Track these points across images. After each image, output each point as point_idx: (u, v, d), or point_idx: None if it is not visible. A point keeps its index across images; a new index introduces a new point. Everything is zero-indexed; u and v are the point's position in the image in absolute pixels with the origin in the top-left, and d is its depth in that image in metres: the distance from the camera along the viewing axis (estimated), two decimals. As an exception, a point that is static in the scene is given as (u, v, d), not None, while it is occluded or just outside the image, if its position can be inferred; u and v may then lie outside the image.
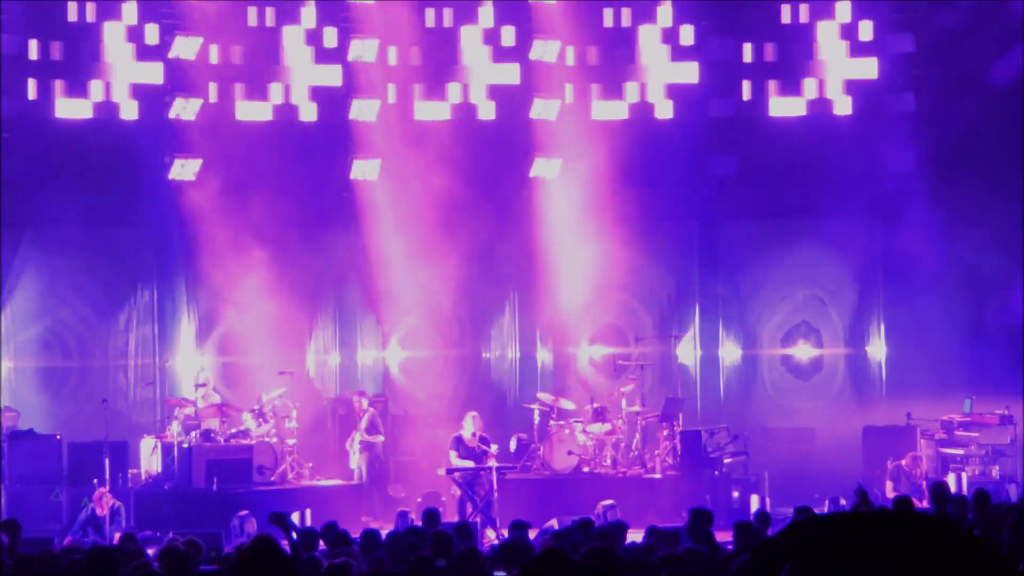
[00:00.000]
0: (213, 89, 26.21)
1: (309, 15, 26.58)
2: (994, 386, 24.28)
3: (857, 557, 5.50)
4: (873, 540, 5.53)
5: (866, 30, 26.75)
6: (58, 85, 25.64)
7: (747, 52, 26.97)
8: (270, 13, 26.51)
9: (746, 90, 27.07)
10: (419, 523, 16.91)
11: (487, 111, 27.09)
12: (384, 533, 14.79)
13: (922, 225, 26.24)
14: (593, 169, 26.41)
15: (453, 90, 26.97)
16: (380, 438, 24.71)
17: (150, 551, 14.35)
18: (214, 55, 26.21)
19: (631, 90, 27.13)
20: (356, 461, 24.49)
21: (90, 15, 25.76)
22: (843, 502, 20.80)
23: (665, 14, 27.03)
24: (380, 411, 25.34)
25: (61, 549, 15.92)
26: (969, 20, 25.76)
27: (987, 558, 5.60)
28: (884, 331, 27.25)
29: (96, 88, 25.75)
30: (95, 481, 22.26)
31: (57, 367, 26.15)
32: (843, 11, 26.87)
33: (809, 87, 26.94)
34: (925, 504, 18.79)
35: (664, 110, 27.13)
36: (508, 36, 26.90)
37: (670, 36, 27.01)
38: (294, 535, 12.86)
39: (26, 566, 12.83)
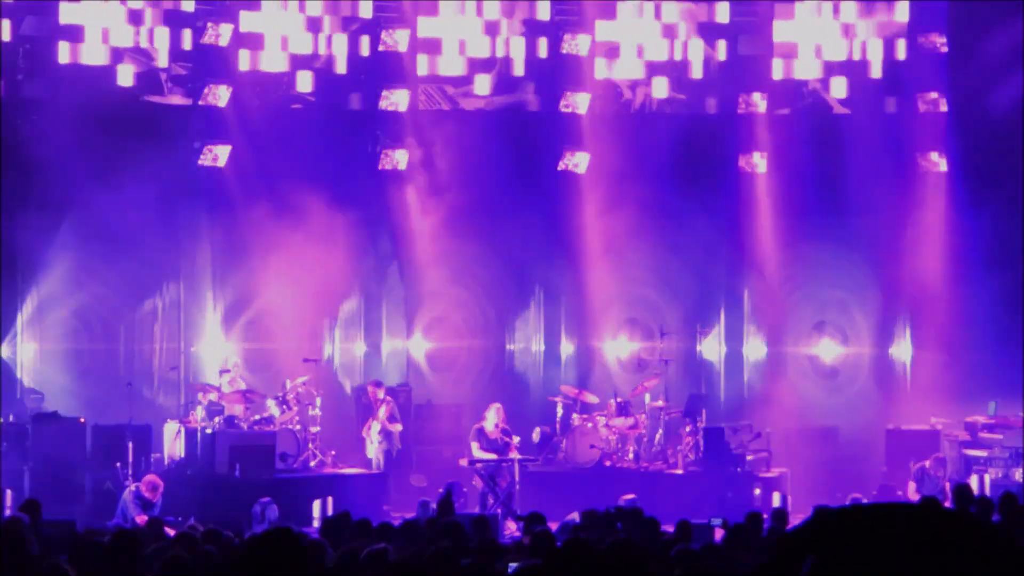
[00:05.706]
0: (244, 75, 26.23)
1: (344, 5, 26.57)
2: (1019, 388, 24.19)
3: (880, 548, 5.48)
4: (895, 531, 5.52)
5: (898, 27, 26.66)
6: (90, 70, 25.68)
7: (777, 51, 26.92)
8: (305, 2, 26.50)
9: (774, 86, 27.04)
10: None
11: (516, 103, 27.07)
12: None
13: (950, 226, 26.17)
14: (621, 163, 26.40)
15: (482, 81, 26.96)
16: (398, 427, 24.69)
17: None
18: (246, 41, 26.22)
19: (659, 85, 27.09)
20: (373, 450, 24.49)
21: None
22: (865, 501, 20.77)
23: (702, 11, 26.97)
24: (403, 401, 25.35)
25: (84, 531, 16.00)
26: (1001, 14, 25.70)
27: (1009, 551, 5.58)
28: (910, 332, 27.17)
29: (128, 72, 25.79)
30: (118, 464, 22.36)
31: (83, 349, 26.18)
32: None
33: (838, 85, 26.89)
34: (948, 505, 18.76)
35: (694, 105, 27.09)
36: (542, 29, 26.86)
37: (705, 30, 26.97)
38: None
39: (49, 547, 12.89)
